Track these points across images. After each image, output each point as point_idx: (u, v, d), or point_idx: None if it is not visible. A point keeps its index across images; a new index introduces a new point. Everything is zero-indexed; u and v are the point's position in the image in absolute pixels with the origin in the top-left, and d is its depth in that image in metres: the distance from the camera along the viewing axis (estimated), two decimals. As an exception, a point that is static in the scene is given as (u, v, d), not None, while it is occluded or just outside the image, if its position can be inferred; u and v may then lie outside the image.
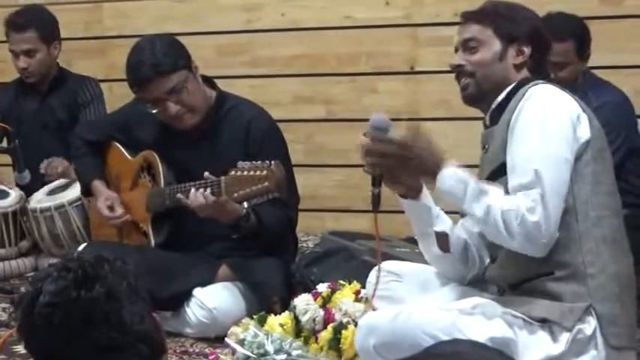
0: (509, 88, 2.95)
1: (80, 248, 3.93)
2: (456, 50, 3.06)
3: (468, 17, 3.04)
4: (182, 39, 3.95)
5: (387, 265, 3.36)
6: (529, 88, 2.88)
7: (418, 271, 3.29)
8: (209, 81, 3.97)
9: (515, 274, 2.93)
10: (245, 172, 3.37)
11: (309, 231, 5.08)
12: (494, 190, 2.80)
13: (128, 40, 5.29)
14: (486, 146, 3.00)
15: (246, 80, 5.31)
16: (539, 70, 3.02)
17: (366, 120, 5.12)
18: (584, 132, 2.83)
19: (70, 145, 4.32)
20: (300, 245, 4.35)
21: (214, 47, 5.33)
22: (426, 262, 3.28)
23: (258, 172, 3.34)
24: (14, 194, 4.79)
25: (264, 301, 3.68)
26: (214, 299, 3.72)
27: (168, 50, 3.76)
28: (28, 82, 4.96)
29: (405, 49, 5.07)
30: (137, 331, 1.87)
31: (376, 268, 3.28)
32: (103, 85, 5.27)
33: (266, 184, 3.33)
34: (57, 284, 1.87)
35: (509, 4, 3.07)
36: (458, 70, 3.03)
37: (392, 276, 3.30)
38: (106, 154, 4.20)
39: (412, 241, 4.57)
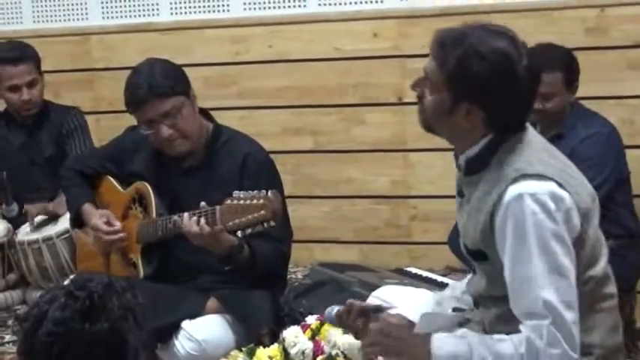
0: (479, 146, 2.74)
1: (67, 282, 3.89)
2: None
3: (432, 48, 2.72)
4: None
5: (380, 292, 3.38)
6: (509, 184, 2.64)
7: (410, 300, 3.28)
8: (206, 114, 3.96)
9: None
10: (241, 201, 3.36)
11: (298, 262, 5.07)
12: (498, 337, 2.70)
13: (116, 73, 5.36)
14: (463, 193, 2.85)
15: (234, 112, 5.31)
16: (508, 125, 2.73)
17: (355, 151, 5.23)
18: (576, 218, 2.68)
19: (61, 177, 4.28)
20: (288, 277, 4.33)
21: (202, 79, 5.32)
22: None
23: (254, 201, 3.33)
24: (1, 227, 4.78)
25: (253, 333, 3.64)
26: (203, 331, 3.68)
27: (168, 74, 3.76)
28: (26, 115, 4.95)
29: (393, 80, 5.09)
30: None
31: (372, 295, 3.38)
32: (90, 117, 5.28)
33: (262, 212, 3.31)
34: (62, 313, 1.85)
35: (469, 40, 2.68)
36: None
37: (385, 304, 3.29)
38: (98, 187, 4.17)
39: (401, 272, 4.59)
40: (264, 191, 3.33)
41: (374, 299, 3.38)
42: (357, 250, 5.31)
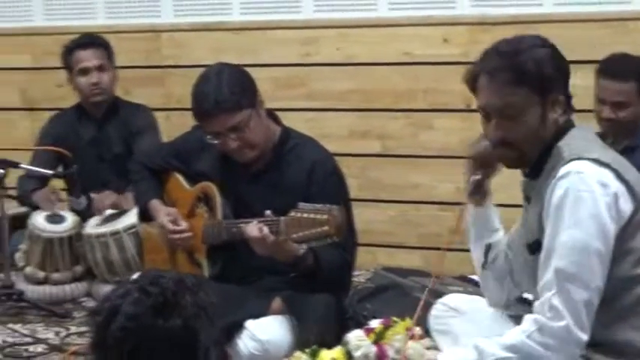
0: (543, 146, 2.83)
1: (134, 278, 3.92)
2: (480, 111, 2.89)
3: (499, 81, 2.79)
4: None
5: (447, 299, 3.38)
6: (564, 163, 2.73)
7: (476, 308, 3.27)
8: (273, 116, 3.95)
9: None
10: (305, 215, 3.34)
11: (361, 266, 5.04)
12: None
13: (186, 70, 5.38)
14: (529, 197, 2.92)
15: (301, 113, 5.30)
16: (569, 103, 2.86)
17: (422, 157, 5.20)
18: (625, 206, 2.71)
19: (129, 170, 4.31)
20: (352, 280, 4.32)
21: (270, 80, 5.33)
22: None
23: (319, 216, 3.31)
24: (70, 219, 4.83)
25: (316, 335, 3.63)
26: (266, 332, 3.68)
27: (235, 87, 3.72)
28: (95, 101, 5.00)
29: (462, 86, 4.96)
30: None
31: (440, 302, 3.35)
32: (160, 114, 5.31)
33: (326, 228, 3.29)
34: (135, 308, 1.85)
35: (537, 46, 2.83)
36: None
37: (451, 311, 3.31)
38: (165, 182, 4.18)
39: (465, 279, 4.56)
40: (328, 205, 3.31)
41: (441, 306, 3.36)
42: (421, 255, 5.27)
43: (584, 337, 2.68)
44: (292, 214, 3.38)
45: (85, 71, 4.97)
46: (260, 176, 3.87)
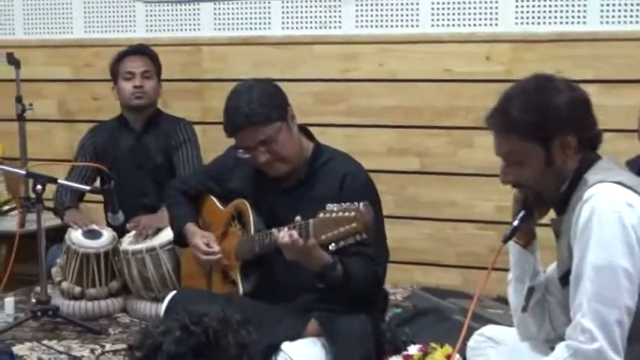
0: (568, 181, 2.80)
1: (170, 296, 3.91)
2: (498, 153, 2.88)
3: (495, 128, 2.84)
4: (279, 85, 3.91)
5: (486, 330, 3.31)
6: (589, 187, 2.71)
7: (514, 339, 3.20)
8: (306, 132, 3.92)
9: None
10: (333, 214, 3.30)
11: (397, 283, 5.01)
12: None
13: (225, 84, 5.30)
14: (558, 233, 2.88)
15: (341, 129, 5.28)
16: (591, 143, 2.83)
17: (461, 174, 5.14)
18: None
19: (165, 195, 4.31)
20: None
21: (311, 95, 5.31)
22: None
23: (346, 214, 3.26)
24: (107, 235, 4.81)
25: (351, 356, 3.58)
26: (303, 355, 3.62)
27: (265, 100, 3.71)
28: (136, 104, 4.99)
29: (503, 104, 4.97)
30: None
31: (477, 333, 3.26)
32: (197, 128, 5.29)
33: (354, 225, 3.24)
34: (177, 348, 1.82)
35: (529, 90, 2.81)
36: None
37: (490, 342, 3.25)
38: (201, 206, 4.18)
39: (504, 301, 4.49)
40: (355, 203, 3.27)
41: (478, 337, 3.29)
42: (458, 274, 5.22)
43: (619, 358, 2.64)
44: (320, 215, 3.34)
45: (129, 76, 4.98)
46: (292, 191, 3.84)
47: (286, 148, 3.76)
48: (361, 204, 3.26)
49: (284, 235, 3.47)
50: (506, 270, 5.03)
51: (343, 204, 3.29)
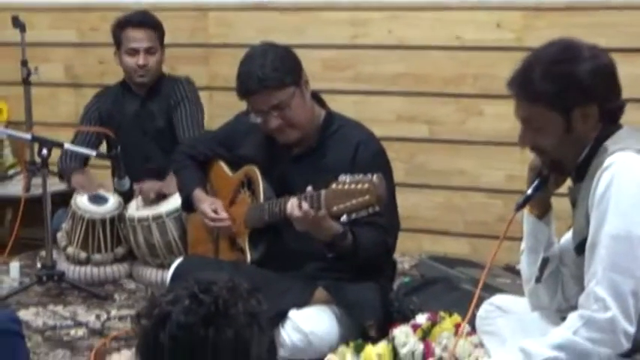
0: (587, 149, 2.76)
1: (176, 263, 3.90)
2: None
3: (514, 93, 2.81)
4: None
5: (495, 299, 3.28)
6: (609, 155, 2.69)
7: (524, 308, 3.17)
8: (319, 99, 3.88)
9: None
10: (346, 186, 3.27)
11: (406, 252, 4.98)
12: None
13: (232, 50, 5.30)
14: (575, 201, 2.86)
15: (349, 96, 5.22)
16: (613, 114, 2.79)
17: (470, 143, 5.10)
18: None
19: (172, 160, 4.27)
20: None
21: (319, 61, 5.25)
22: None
23: (359, 186, 3.23)
24: (113, 201, 4.78)
25: (360, 322, 3.59)
26: (310, 323, 3.62)
27: (279, 64, 3.68)
28: (140, 82, 4.94)
29: (514, 73, 4.92)
30: None
31: (487, 302, 3.25)
32: (204, 93, 5.25)
33: (367, 197, 3.21)
34: (186, 317, 1.79)
35: (552, 58, 2.76)
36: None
37: (499, 312, 3.23)
38: (209, 171, 4.15)
39: (512, 270, 4.46)
40: (369, 175, 3.23)
41: (488, 306, 3.26)
42: (467, 243, 5.18)
43: (631, 328, 2.63)
44: (333, 186, 3.31)
45: (133, 52, 4.89)
46: (303, 159, 3.81)
47: (299, 114, 3.72)
48: (375, 176, 3.22)
49: (294, 205, 3.43)
50: (515, 239, 5.01)
51: (356, 175, 3.25)
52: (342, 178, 3.29)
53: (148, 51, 4.89)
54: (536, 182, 2.89)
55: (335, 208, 3.29)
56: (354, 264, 3.65)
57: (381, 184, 3.22)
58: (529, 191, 2.90)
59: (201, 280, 1.85)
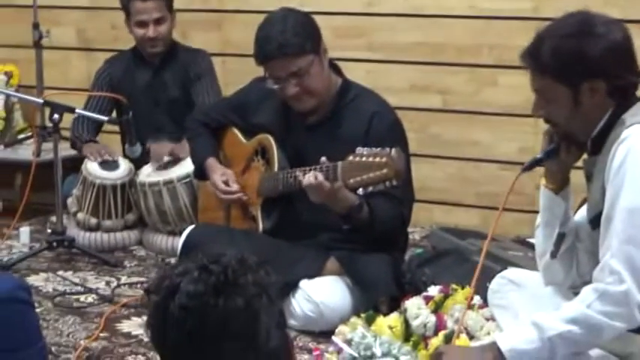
0: (602, 123, 2.75)
1: (187, 231, 3.89)
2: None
3: (526, 64, 2.82)
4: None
5: (508, 273, 3.26)
6: (626, 128, 2.68)
7: (537, 282, 3.15)
8: (336, 67, 3.85)
9: None
10: (364, 159, 3.25)
11: (417, 223, 4.94)
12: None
13: (246, 16, 5.27)
14: (590, 175, 2.84)
15: (362, 64, 5.17)
16: (627, 94, 2.77)
17: (484, 113, 5.06)
18: None
19: (186, 128, 4.26)
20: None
21: (331, 29, 5.14)
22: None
23: (377, 159, 3.21)
24: (124, 166, 4.76)
25: (372, 298, 3.58)
26: (322, 293, 3.63)
27: (299, 31, 3.65)
28: (151, 52, 4.90)
29: (529, 43, 4.88)
30: (270, 349, 1.77)
31: (499, 276, 3.23)
32: (216, 59, 5.20)
33: (385, 171, 3.19)
34: (196, 287, 1.77)
35: (564, 32, 2.76)
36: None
37: (511, 285, 3.20)
38: (222, 138, 4.12)
39: (523, 243, 4.44)
40: (387, 149, 3.22)
41: (500, 279, 3.24)
42: (478, 214, 5.15)
43: None
44: (350, 158, 3.30)
45: (142, 24, 4.83)
46: (318, 128, 3.79)
47: (317, 82, 3.70)
48: (393, 150, 3.20)
49: (310, 177, 3.42)
50: (524, 211, 5.03)
51: (374, 148, 3.23)
52: (360, 150, 3.26)
53: (158, 22, 4.82)
54: (548, 148, 2.88)
55: (351, 181, 3.27)
56: (370, 236, 3.63)
57: (399, 158, 3.19)
58: (539, 155, 2.90)
59: (209, 252, 1.84)
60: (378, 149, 3.23)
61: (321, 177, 3.39)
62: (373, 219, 3.56)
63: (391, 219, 3.65)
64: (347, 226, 3.57)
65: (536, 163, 2.94)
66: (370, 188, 3.27)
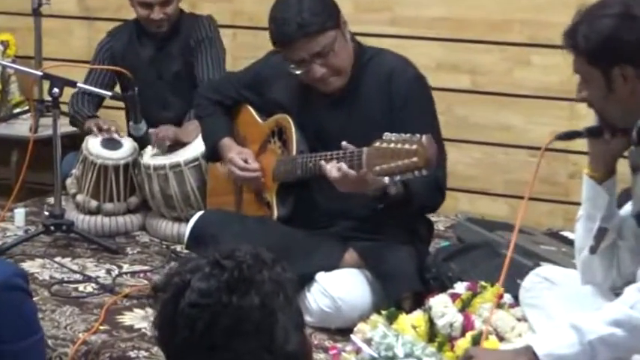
0: None
1: (196, 217, 3.85)
2: None
3: (565, 44, 2.83)
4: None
5: (542, 270, 3.23)
6: None
7: (575, 283, 3.10)
8: (354, 40, 3.79)
9: None
10: (392, 145, 3.17)
11: (441, 211, 4.86)
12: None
13: (257, -14, 5.24)
14: (636, 167, 2.83)
15: (385, 40, 5.08)
16: None
17: (516, 95, 5.01)
18: None
19: (196, 105, 4.20)
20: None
21: (352, 2, 5.17)
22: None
23: (406, 146, 3.14)
24: (127, 145, 4.71)
25: (394, 294, 3.53)
26: (339, 287, 3.58)
27: (318, 8, 3.59)
28: (157, 32, 4.84)
29: (567, 19, 4.80)
30: (288, 352, 1.74)
31: (532, 273, 3.20)
32: (226, 31, 5.19)
33: (414, 159, 3.12)
34: (208, 283, 1.74)
35: (601, 12, 2.76)
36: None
37: (546, 284, 3.17)
38: (235, 117, 4.07)
39: (556, 236, 4.39)
40: (417, 135, 3.15)
41: (533, 277, 3.19)
42: (506, 204, 5.13)
43: None
44: (377, 144, 3.23)
45: (146, 5, 4.75)
46: (338, 102, 3.73)
47: (342, 58, 3.65)
48: (424, 136, 3.13)
49: (332, 170, 3.36)
50: (557, 202, 4.99)
51: (403, 134, 3.17)
52: (388, 135, 3.20)
53: (163, 4, 4.74)
54: (591, 125, 2.87)
55: (377, 168, 3.21)
56: (408, 213, 3.58)
57: (430, 145, 3.13)
58: (580, 128, 2.89)
59: (221, 248, 1.81)
60: (408, 135, 3.16)
61: (345, 167, 3.33)
62: (409, 193, 3.48)
63: (428, 191, 3.56)
64: (381, 205, 3.50)
65: (573, 134, 2.94)
66: (398, 177, 3.21)
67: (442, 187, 3.71)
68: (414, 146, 3.13)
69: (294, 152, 3.76)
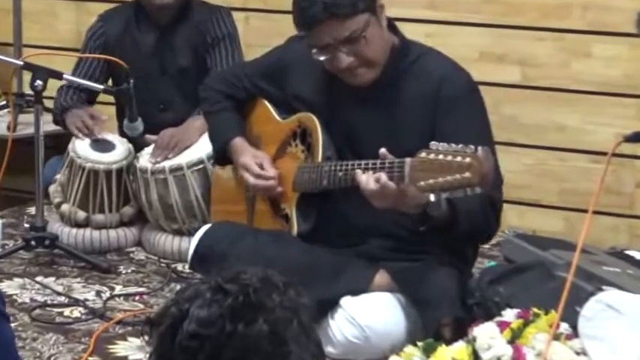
0: None
1: (202, 231, 3.88)
2: None
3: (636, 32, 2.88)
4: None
5: (605, 296, 3.24)
6: None
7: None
8: (391, 25, 3.80)
9: None
10: (440, 156, 3.16)
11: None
12: None
13: (275, -33, 5.29)
14: None
15: (421, 26, 5.19)
16: None
17: (574, 91, 5.03)
18: None
19: (203, 99, 4.22)
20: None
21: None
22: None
23: (458, 159, 3.12)
24: (121, 147, 4.76)
25: (432, 321, 3.54)
26: (368, 314, 3.61)
27: None
28: (159, 16, 4.88)
29: (633, 4, 4.83)
30: None
31: (594, 299, 3.20)
32: (239, 15, 5.24)
33: (467, 175, 3.10)
34: (209, 310, 1.76)
35: None
36: None
37: (610, 312, 3.17)
38: (249, 113, 4.10)
39: (621, 255, 4.39)
40: (472, 147, 3.14)
41: (595, 304, 3.20)
42: (562, 218, 5.16)
43: None
44: (423, 154, 3.22)
45: None
46: (373, 101, 3.74)
47: (375, 49, 3.66)
48: (480, 148, 3.12)
49: (370, 181, 3.36)
50: (621, 216, 5.00)
51: (454, 145, 3.16)
52: (435, 145, 3.20)
53: None
54: None
55: (422, 183, 3.19)
56: (457, 236, 3.58)
57: (487, 159, 3.11)
58: None
59: (224, 272, 1.84)
60: (460, 146, 3.15)
61: (384, 178, 3.33)
62: (456, 213, 3.48)
63: (480, 208, 3.54)
64: (423, 227, 3.50)
65: None
66: (446, 194, 3.20)
67: (498, 212, 3.70)
68: (468, 159, 3.11)
69: (320, 158, 3.77)
